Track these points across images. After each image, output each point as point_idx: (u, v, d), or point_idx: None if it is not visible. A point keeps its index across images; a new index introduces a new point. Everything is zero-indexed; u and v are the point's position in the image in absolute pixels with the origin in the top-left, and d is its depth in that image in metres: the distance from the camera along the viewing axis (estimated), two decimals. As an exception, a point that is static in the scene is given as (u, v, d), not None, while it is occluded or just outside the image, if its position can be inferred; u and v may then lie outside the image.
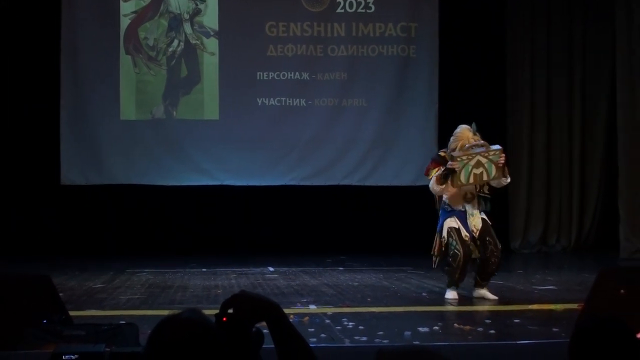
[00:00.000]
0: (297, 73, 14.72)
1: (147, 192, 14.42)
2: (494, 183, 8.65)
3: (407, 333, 6.30)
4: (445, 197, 8.67)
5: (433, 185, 8.60)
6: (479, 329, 6.85)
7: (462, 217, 8.52)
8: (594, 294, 5.73)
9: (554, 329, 6.54)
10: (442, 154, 8.76)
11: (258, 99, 14.66)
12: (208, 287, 9.92)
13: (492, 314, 7.64)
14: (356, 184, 14.78)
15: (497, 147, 8.54)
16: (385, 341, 6.01)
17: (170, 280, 10.67)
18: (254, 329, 2.45)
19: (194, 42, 14.62)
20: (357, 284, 10.21)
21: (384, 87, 14.84)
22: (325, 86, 14.77)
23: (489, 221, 8.59)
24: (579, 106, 15.31)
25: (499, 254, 8.46)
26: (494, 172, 8.45)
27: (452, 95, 14.82)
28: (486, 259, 8.41)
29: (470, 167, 8.41)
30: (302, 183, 14.70)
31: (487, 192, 8.71)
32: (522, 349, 4.90)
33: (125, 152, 14.37)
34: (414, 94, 14.85)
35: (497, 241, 8.52)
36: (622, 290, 5.58)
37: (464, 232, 8.43)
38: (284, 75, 14.70)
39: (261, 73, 14.67)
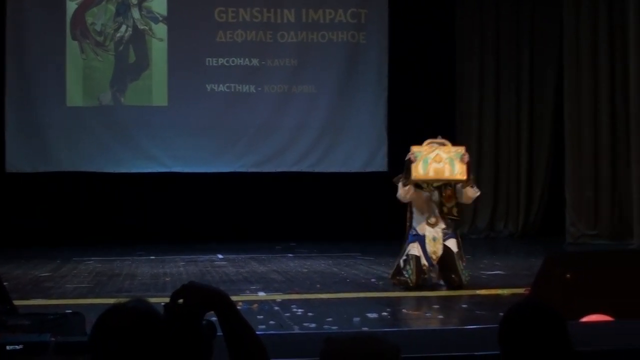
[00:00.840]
0: (246, 59, 14.66)
1: (96, 180, 14.29)
2: (462, 198, 8.54)
3: (356, 319, 6.32)
4: (414, 222, 8.49)
5: (399, 190, 8.45)
6: (427, 314, 6.90)
7: (424, 249, 8.32)
8: (540, 279, 5.79)
9: (501, 314, 6.56)
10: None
11: (207, 85, 14.58)
12: (156, 275, 9.87)
13: (441, 300, 7.68)
14: (306, 170, 14.77)
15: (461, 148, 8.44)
16: (334, 327, 6.02)
17: (117, 268, 10.60)
18: (205, 321, 2.45)
19: (142, 27, 14.48)
20: (306, 270, 10.22)
21: (334, 74, 14.84)
22: (275, 72, 14.73)
23: (454, 249, 8.32)
24: (527, 93, 15.44)
25: (462, 284, 8.25)
26: (457, 169, 8.28)
27: (401, 81, 14.87)
28: (449, 285, 8.30)
29: (429, 160, 8.27)
30: (252, 170, 14.66)
31: (455, 214, 8.59)
32: (470, 334, 4.93)
33: (73, 139, 14.21)
34: (364, 80, 14.87)
35: (463, 276, 8.26)
36: (568, 275, 5.63)
37: (423, 261, 8.26)
38: (233, 62, 14.63)
39: (210, 59, 14.59)
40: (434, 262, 8.28)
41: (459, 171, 8.34)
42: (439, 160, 8.29)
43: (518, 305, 2.75)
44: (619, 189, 13.60)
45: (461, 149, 8.44)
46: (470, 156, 14.75)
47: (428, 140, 8.53)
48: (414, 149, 8.42)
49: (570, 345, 2.61)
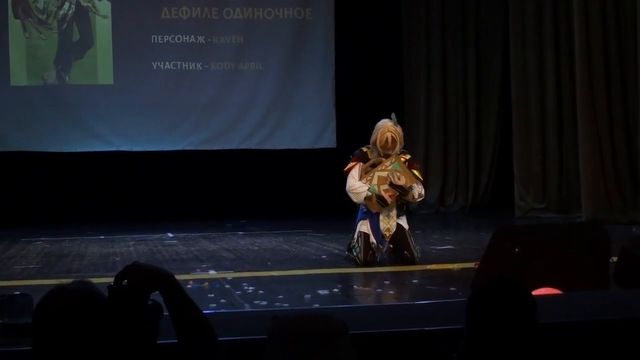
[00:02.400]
0: (192, 36, 14.53)
1: (43, 159, 14.12)
2: (410, 199, 8.49)
3: (307, 296, 6.31)
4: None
5: (350, 188, 8.35)
6: (378, 290, 6.91)
7: (376, 220, 8.31)
8: (489, 253, 5.81)
9: (452, 288, 6.62)
10: (364, 149, 8.50)
11: (153, 63, 14.44)
12: (106, 254, 9.78)
13: (391, 275, 7.71)
14: (255, 147, 14.73)
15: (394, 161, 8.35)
16: (285, 305, 6.00)
17: (66, 248, 10.49)
18: (151, 302, 2.43)
19: (85, 4, 14.28)
20: (257, 248, 10.20)
21: (281, 50, 14.78)
22: (222, 49, 14.63)
23: (405, 226, 8.37)
24: (474, 68, 15.52)
25: (412, 258, 8.24)
26: (403, 178, 8.26)
27: (349, 56, 14.87)
28: (402, 261, 8.28)
29: (376, 187, 8.29)
30: (200, 148, 14.58)
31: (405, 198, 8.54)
32: (420, 309, 4.94)
33: (18, 118, 14.02)
34: (310, 56, 14.84)
35: (415, 252, 8.27)
36: (517, 249, 5.66)
37: (372, 239, 8.26)
38: (179, 39, 14.50)
39: (156, 36, 14.44)
40: (387, 239, 8.28)
41: (405, 179, 8.30)
42: (383, 182, 8.27)
43: (487, 279, 2.78)
44: (566, 163, 13.75)
45: (395, 160, 8.33)
46: (419, 131, 14.99)
47: (366, 165, 8.40)
48: (364, 181, 8.31)
49: (536, 322, 2.73)
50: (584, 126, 12.45)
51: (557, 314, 4.20)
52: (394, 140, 8.31)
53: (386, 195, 8.25)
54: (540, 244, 5.87)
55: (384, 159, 8.36)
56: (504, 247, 5.72)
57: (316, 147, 14.81)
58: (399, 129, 8.41)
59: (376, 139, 8.32)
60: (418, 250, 8.39)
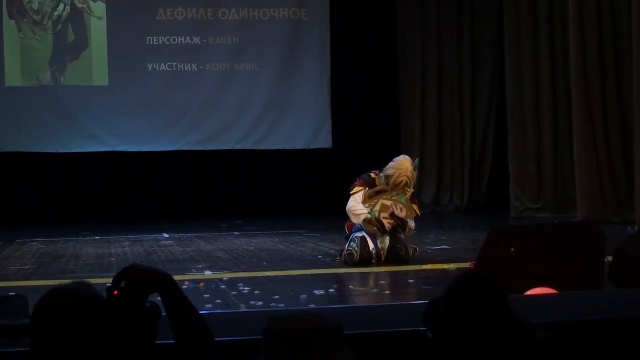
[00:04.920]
0: (187, 37, 14.54)
1: (38, 160, 14.12)
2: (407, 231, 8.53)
3: (303, 296, 6.31)
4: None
5: (350, 209, 8.45)
6: (373, 290, 6.91)
7: (372, 236, 8.39)
8: (484, 253, 5.82)
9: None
10: (372, 174, 8.54)
11: (148, 64, 14.44)
12: (101, 255, 9.76)
13: (387, 275, 7.70)
14: (250, 148, 14.73)
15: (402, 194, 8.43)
16: (281, 305, 6.00)
17: (62, 249, 10.47)
18: (149, 303, 2.44)
19: (80, 5, 14.27)
20: (252, 248, 10.19)
21: (276, 51, 14.79)
22: (217, 50, 14.64)
23: (400, 236, 8.44)
24: (469, 68, 15.53)
25: (407, 256, 8.29)
26: (405, 210, 8.36)
27: (344, 56, 14.88)
28: (396, 259, 8.31)
29: (376, 212, 8.34)
30: (195, 148, 14.59)
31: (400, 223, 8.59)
32: (416, 309, 4.95)
33: (12, 119, 14.02)
34: (306, 57, 14.85)
35: (408, 247, 8.35)
36: (512, 249, 5.68)
37: (369, 242, 8.30)
38: (174, 40, 14.50)
39: (151, 37, 14.44)
40: (382, 256, 8.34)
41: (407, 211, 8.40)
42: (385, 209, 8.36)
43: (460, 276, 2.93)
44: (561, 163, 13.76)
45: (402, 189, 8.41)
46: (415, 131, 15.02)
47: (369, 192, 8.46)
48: (366, 205, 8.38)
49: (510, 313, 2.79)
50: (578, 126, 12.45)
51: (552, 313, 4.22)
52: (407, 183, 8.38)
53: (385, 222, 8.33)
54: (535, 243, 5.88)
55: (389, 188, 8.43)
56: (499, 247, 5.74)
57: (312, 147, 14.82)
58: (415, 173, 8.50)
59: (392, 174, 8.34)
60: (414, 248, 8.46)
